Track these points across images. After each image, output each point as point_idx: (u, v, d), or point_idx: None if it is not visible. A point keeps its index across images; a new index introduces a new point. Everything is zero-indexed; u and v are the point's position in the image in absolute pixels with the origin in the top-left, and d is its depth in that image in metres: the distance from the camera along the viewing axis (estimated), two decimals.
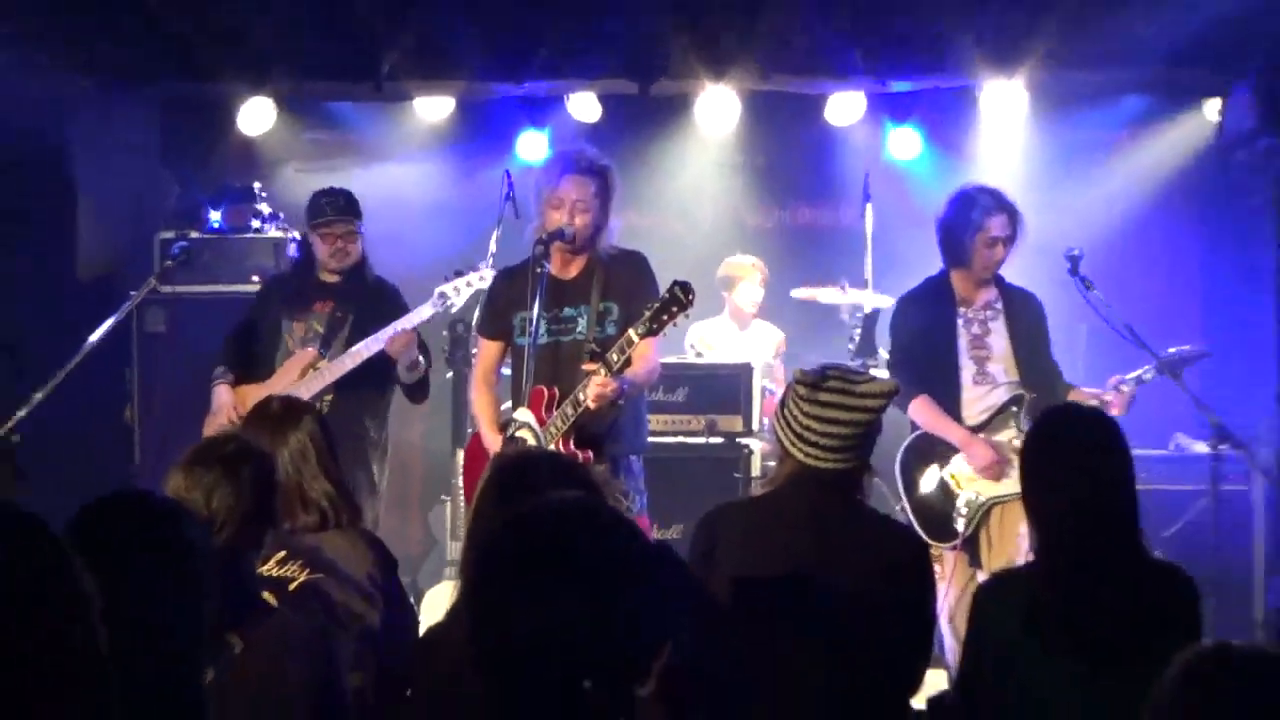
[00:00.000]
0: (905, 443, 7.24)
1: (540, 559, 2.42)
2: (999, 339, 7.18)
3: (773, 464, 4.62)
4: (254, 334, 7.51)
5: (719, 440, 8.55)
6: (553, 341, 6.57)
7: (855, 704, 4.37)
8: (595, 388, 6.15)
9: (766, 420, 8.35)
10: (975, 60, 8.49)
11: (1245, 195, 8.74)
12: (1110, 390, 7.02)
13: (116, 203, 9.15)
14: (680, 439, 8.47)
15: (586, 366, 6.23)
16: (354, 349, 7.21)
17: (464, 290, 7.29)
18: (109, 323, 7.21)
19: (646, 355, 6.41)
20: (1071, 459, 4.17)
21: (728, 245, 10.05)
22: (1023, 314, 7.25)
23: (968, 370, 7.15)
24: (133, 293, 7.59)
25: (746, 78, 8.86)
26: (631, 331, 6.17)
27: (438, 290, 7.27)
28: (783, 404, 4.50)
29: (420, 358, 7.31)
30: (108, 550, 1.98)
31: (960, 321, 7.18)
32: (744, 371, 8.72)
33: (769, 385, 8.90)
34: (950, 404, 7.10)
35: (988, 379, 7.16)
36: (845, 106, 9.49)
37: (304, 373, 7.23)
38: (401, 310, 7.33)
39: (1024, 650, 4.11)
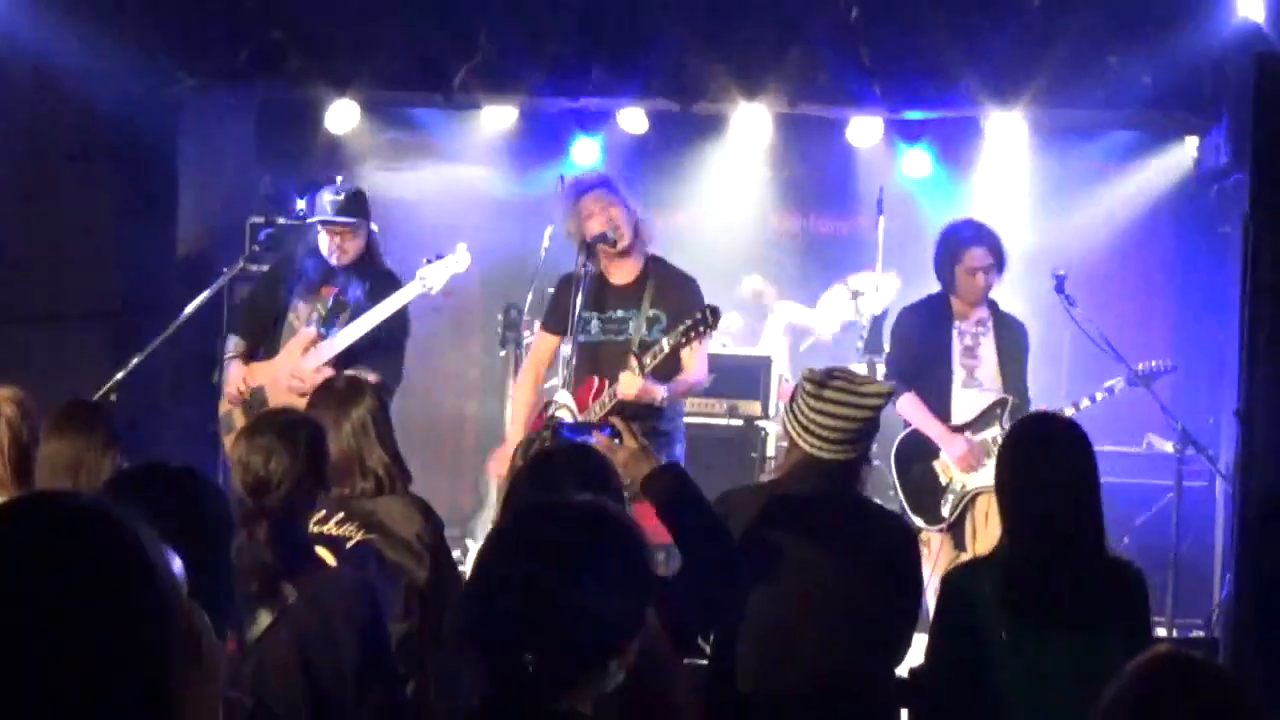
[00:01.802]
0: (899, 436, 7.30)
1: (534, 554, 2.45)
2: (988, 352, 7.28)
3: (785, 444, 4.60)
4: (263, 310, 7.32)
5: (739, 422, 8.56)
6: (605, 340, 6.62)
7: (847, 670, 4.37)
8: (626, 384, 6.27)
9: (782, 404, 8.35)
10: (979, 94, 8.45)
11: (1217, 224, 8.70)
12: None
13: (214, 191, 9.17)
14: (703, 420, 8.43)
15: (630, 363, 6.33)
16: (346, 329, 7.05)
17: (442, 273, 7.14)
18: (204, 295, 7.22)
19: (693, 366, 6.54)
20: (1044, 461, 4.15)
21: (755, 245, 10.07)
22: (1009, 337, 7.34)
23: (958, 375, 7.24)
24: (225, 270, 7.58)
25: (777, 103, 8.84)
26: (664, 341, 6.27)
27: (418, 273, 7.14)
28: (792, 399, 4.52)
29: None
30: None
31: (955, 333, 7.24)
32: (763, 363, 8.75)
33: (786, 375, 8.90)
34: (941, 403, 7.20)
35: (975, 384, 7.22)
36: (864, 129, 9.42)
37: (305, 351, 7.08)
38: (389, 296, 7.15)
39: (989, 626, 4.08)
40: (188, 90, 8.63)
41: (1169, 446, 7.86)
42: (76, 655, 1.76)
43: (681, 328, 6.23)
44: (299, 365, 6.94)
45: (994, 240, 7.20)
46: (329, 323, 7.18)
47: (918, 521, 7.20)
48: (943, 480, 7.16)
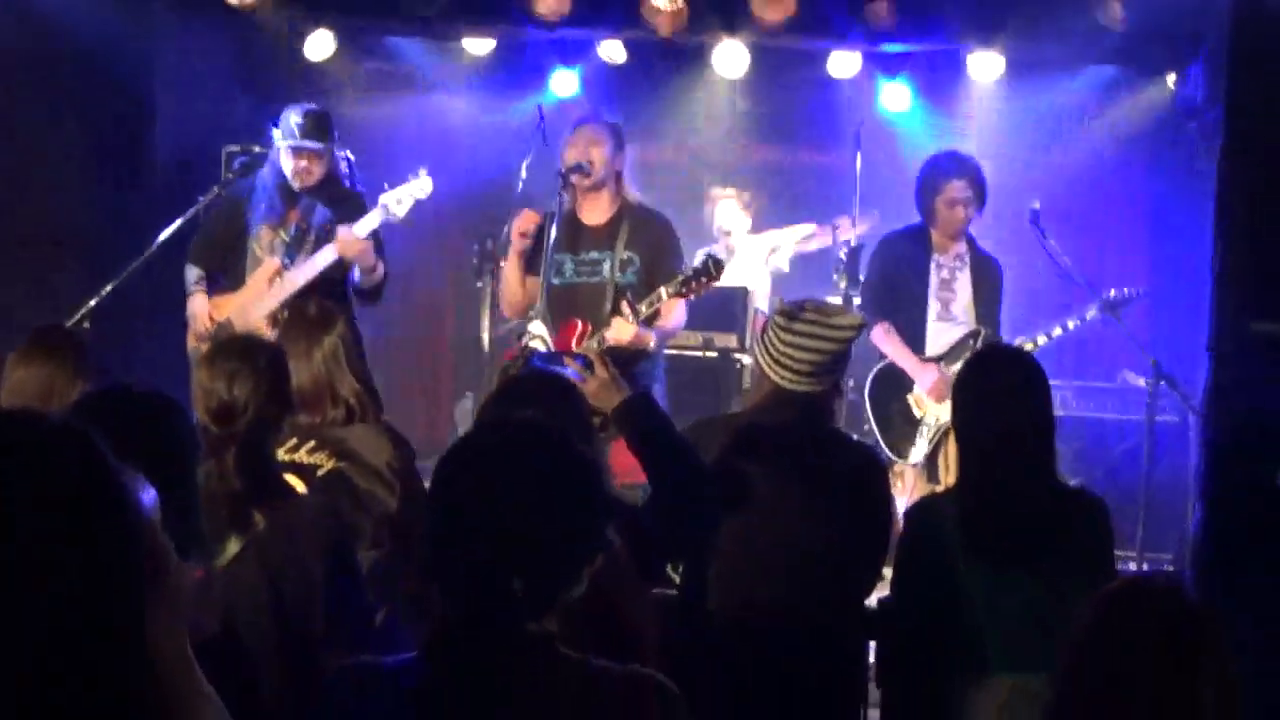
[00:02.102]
0: (874, 370, 7.33)
1: (495, 469, 2.47)
2: (964, 286, 7.31)
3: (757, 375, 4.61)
4: (222, 239, 7.26)
5: (715, 354, 8.54)
6: (580, 282, 6.61)
7: (814, 601, 4.40)
8: (619, 330, 6.24)
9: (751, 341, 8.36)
10: (960, 28, 8.43)
11: (1194, 160, 8.69)
12: (1027, 341, 7.20)
13: (190, 119, 9.09)
14: (679, 352, 8.37)
15: (622, 310, 6.30)
16: (312, 258, 7.02)
17: (405, 200, 7.07)
18: (176, 223, 7.12)
19: (676, 312, 6.52)
20: (992, 394, 4.17)
21: (730, 177, 10.01)
22: (985, 273, 7.37)
23: (933, 308, 7.25)
24: (200, 198, 7.52)
25: (756, 34, 8.79)
26: (663, 290, 6.24)
27: (381, 199, 7.08)
28: (763, 332, 4.54)
29: (379, 262, 7.09)
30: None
31: (933, 265, 7.24)
32: (740, 294, 8.71)
33: (761, 308, 8.86)
34: (916, 334, 7.24)
35: (950, 317, 7.24)
36: (843, 63, 9.39)
37: (270, 281, 7.05)
38: (352, 215, 7.09)
39: (948, 560, 4.14)
40: (165, 20, 8.56)
41: (1142, 382, 7.89)
42: (42, 575, 1.77)
43: (681, 278, 6.18)
44: (266, 299, 6.90)
45: (975, 173, 7.20)
46: (293, 250, 7.13)
47: (891, 455, 7.23)
48: (916, 414, 7.21)
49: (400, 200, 7.07)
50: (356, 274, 7.10)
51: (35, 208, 8.38)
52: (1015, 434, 4.13)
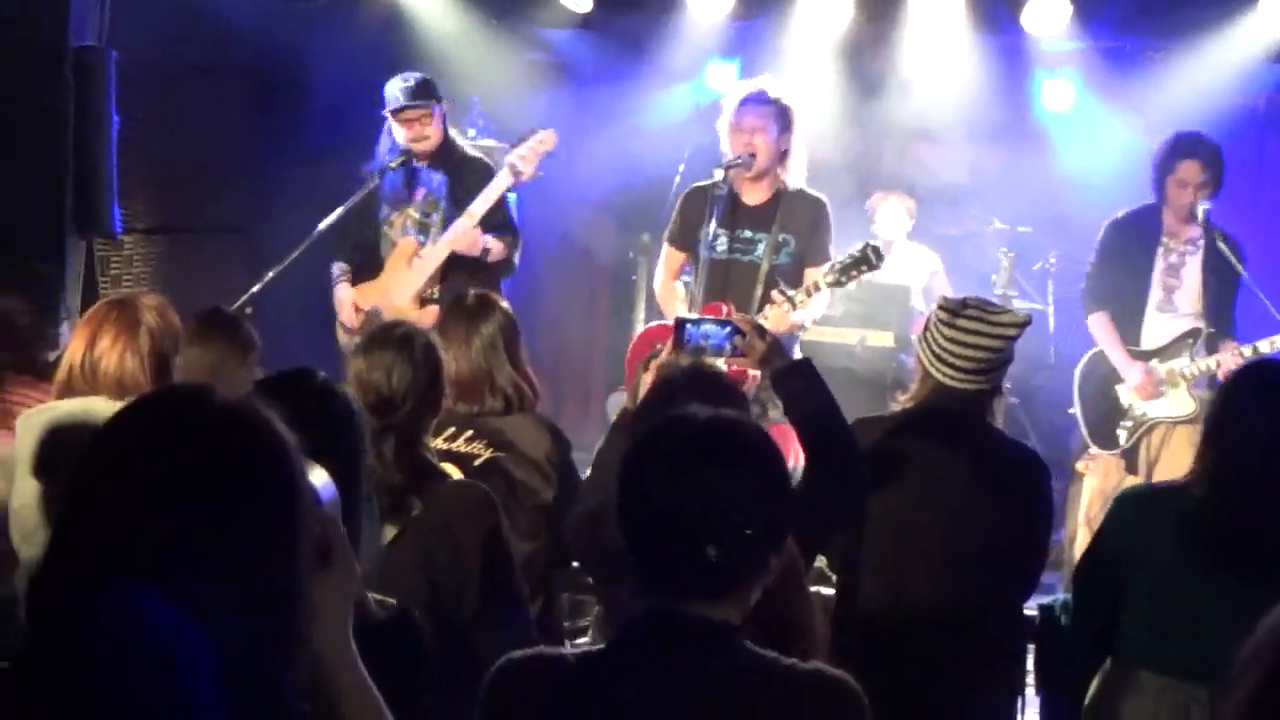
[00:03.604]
0: (1087, 355, 7.25)
1: (684, 453, 2.49)
2: (1192, 274, 7.07)
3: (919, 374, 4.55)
4: (359, 229, 7.27)
5: (871, 353, 8.42)
6: (731, 259, 6.59)
7: (973, 602, 4.33)
8: (776, 319, 6.16)
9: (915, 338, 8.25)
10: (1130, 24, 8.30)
11: None
12: (1247, 347, 6.81)
13: (346, 104, 9.20)
14: (834, 345, 8.27)
15: (775, 297, 6.27)
16: (445, 237, 7.01)
17: (530, 156, 7.07)
18: (336, 213, 7.11)
19: (823, 297, 6.48)
20: (1269, 410, 4.03)
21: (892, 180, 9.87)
22: (1221, 258, 6.98)
23: (1155, 296, 7.07)
24: (357, 187, 7.56)
25: None
26: (820, 278, 6.23)
27: (506, 160, 7.08)
28: (926, 328, 4.48)
29: (490, 245, 7.05)
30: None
31: (1160, 250, 7.07)
32: (899, 292, 8.61)
33: (920, 307, 8.77)
34: (1132, 324, 7.09)
35: (1171, 307, 7.06)
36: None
37: (409, 261, 7.08)
38: (484, 183, 7.07)
39: (1155, 555, 4.02)
40: (318, 4, 8.66)
41: None
42: (210, 550, 1.78)
43: (839, 265, 6.14)
44: (407, 281, 6.94)
45: (1211, 155, 6.94)
46: (425, 228, 7.17)
47: (1089, 441, 7.17)
48: (1124, 404, 7.09)
49: (524, 157, 7.07)
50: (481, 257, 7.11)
51: (192, 196, 8.55)
52: (1261, 448, 3.94)
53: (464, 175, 7.14)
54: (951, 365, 4.33)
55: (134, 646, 1.63)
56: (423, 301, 6.92)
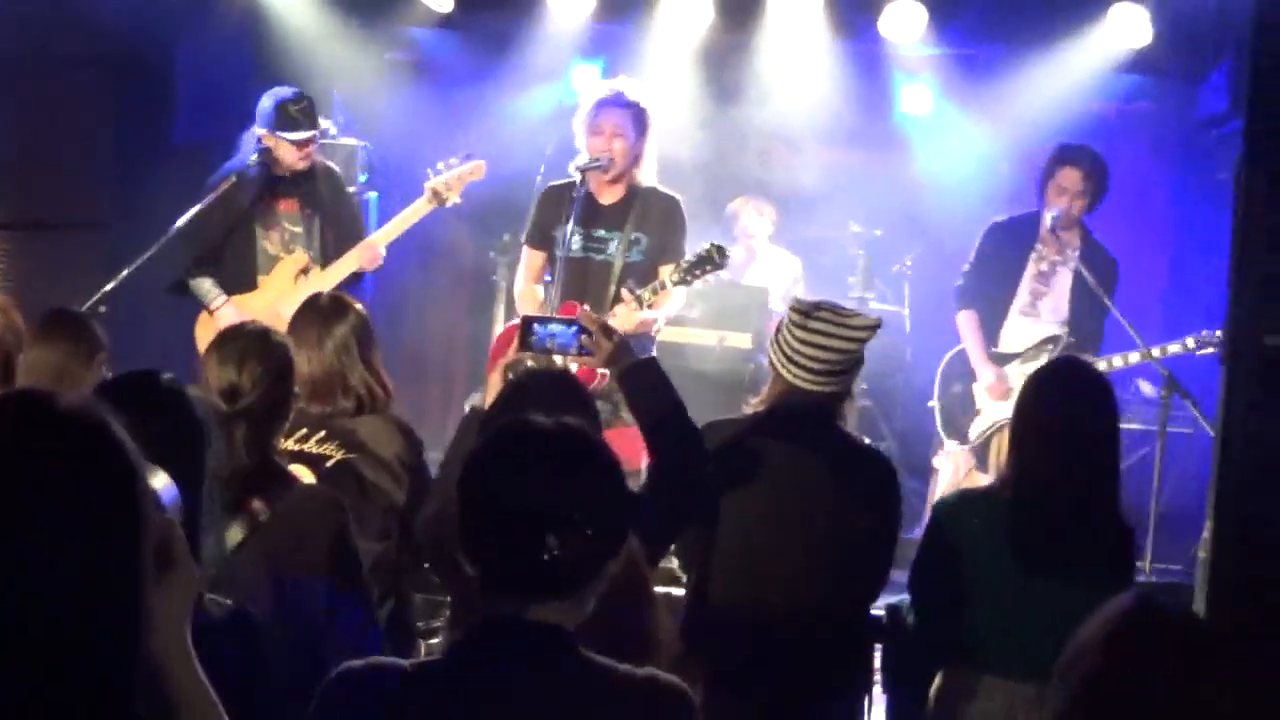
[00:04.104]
0: (950, 352, 7.39)
1: (525, 456, 2.52)
2: (1062, 283, 7.21)
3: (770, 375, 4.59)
4: (217, 240, 7.13)
5: (729, 355, 8.46)
6: (585, 257, 6.64)
7: (824, 601, 4.37)
8: (624, 317, 6.21)
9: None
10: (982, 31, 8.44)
11: (1215, 169, 8.64)
12: (1101, 360, 6.99)
13: (210, 104, 9.09)
14: (691, 347, 8.33)
15: (624, 294, 6.34)
16: (343, 260, 7.07)
17: (455, 185, 7.14)
18: (195, 210, 7.02)
19: (675, 296, 6.53)
20: (1074, 409, 4.15)
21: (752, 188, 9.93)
22: (1094, 271, 7.15)
23: (1020, 300, 7.19)
24: (218, 185, 7.46)
25: None
26: (666, 277, 6.31)
27: (429, 186, 7.13)
28: (778, 329, 4.50)
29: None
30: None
31: (1033, 256, 7.20)
32: (758, 294, 8.69)
33: (780, 310, 8.83)
34: (993, 324, 7.20)
35: (1034, 312, 7.18)
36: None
37: (296, 278, 7.06)
38: (344, 193, 7.19)
39: (974, 559, 4.16)
40: (185, 6, 8.56)
41: (1155, 392, 7.85)
42: (48, 558, 1.76)
43: (685, 264, 6.21)
44: (294, 296, 6.88)
45: (1093, 165, 7.08)
46: (308, 238, 7.15)
47: (943, 434, 7.29)
48: (978, 403, 7.23)
49: (449, 184, 7.12)
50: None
51: (55, 190, 8.39)
52: (1087, 452, 4.12)
53: (332, 186, 7.20)
54: (802, 367, 4.36)
55: None
56: None
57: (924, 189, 9.67)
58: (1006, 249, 7.26)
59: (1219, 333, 7.13)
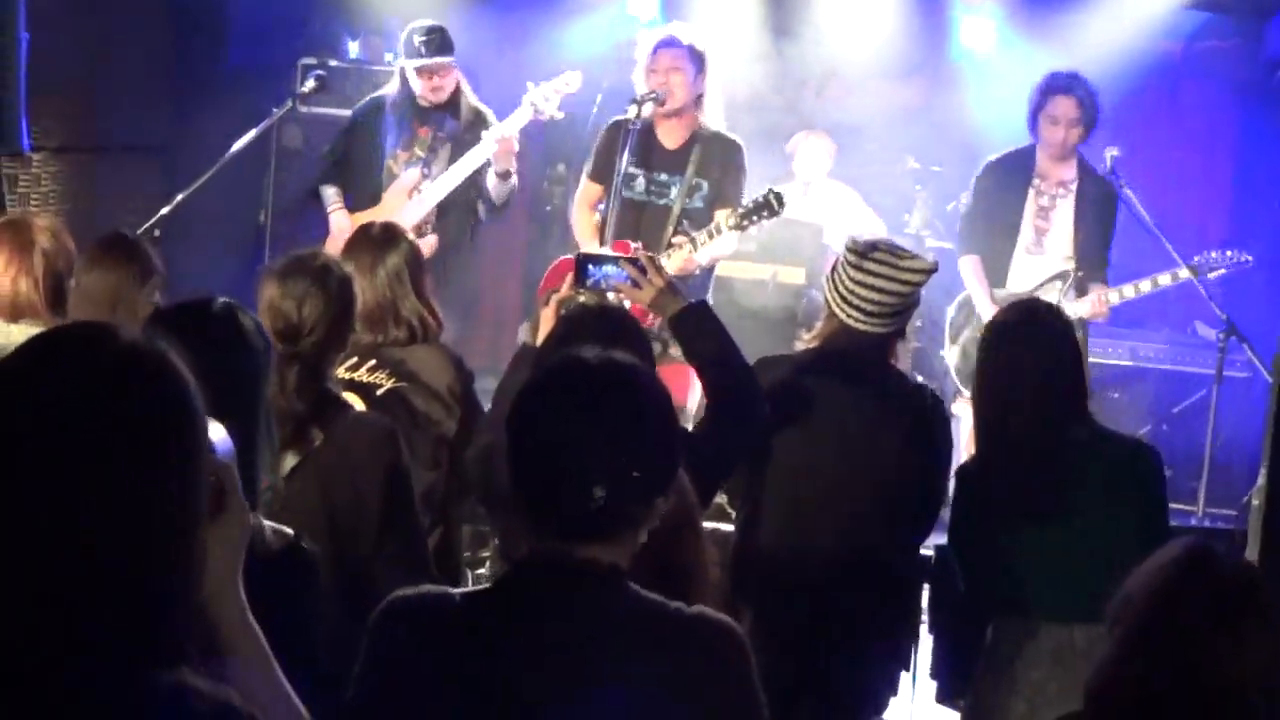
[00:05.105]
0: (958, 298, 7.24)
1: (573, 394, 2.51)
2: (1063, 216, 7.10)
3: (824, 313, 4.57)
4: (356, 158, 7.35)
5: (781, 289, 8.45)
6: (646, 200, 6.66)
7: (871, 540, 4.38)
8: (680, 260, 6.29)
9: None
10: None
11: None
12: (1113, 291, 6.95)
13: (264, 29, 9.08)
14: (746, 281, 8.33)
15: (675, 241, 6.33)
16: (454, 167, 7.11)
17: (553, 96, 7.13)
18: (250, 135, 7.14)
19: (728, 238, 6.49)
20: (1014, 352, 4.16)
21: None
22: (1093, 201, 7.09)
23: (1025, 238, 7.10)
24: (274, 109, 7.51)
25: None
26: (722, 221, 6.31)
27: (526, 98, 7.12)
28: (834, 268, 4.49)
29: (513, 170, 7.12)
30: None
31: (1031, 192, 7.10)
32: (812, 230, 8.64)
33: (835, 245, 8.79)
34: (1000, 265, 7.10)
35: (1040, 250, 7.08)
36: None
37: (410, 194, 7.15)
38: (479, 137, 7.15)
39: (991, 515, 4.18)
40: None
41: (1214, 335, 7.77)
42: (102, 498, 1.77)
43: (742, 210, 6.23)
44: (404, 212, 6.93)
45: (1085, 93, 6.94)
46: (429, 163, 7.22)
47: (959, 384, 7.20)
48: None
49: (548, 97, 7.11)
50: (490, 184, 7.13)
51: (110, 114, 8.42)
52: (1034, 390, 4.10)
53: (478, 125, 7.17)
54: (857, 308, 4.35)
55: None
56: (421, 233, 6.89)
57: (983, 125, 9.56)
58: (1005, 188, 7.14)
59: (1229, 252, 7.09)
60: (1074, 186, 7.11)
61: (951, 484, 4.44)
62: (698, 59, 6.62)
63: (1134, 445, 4.31)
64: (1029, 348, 4.14)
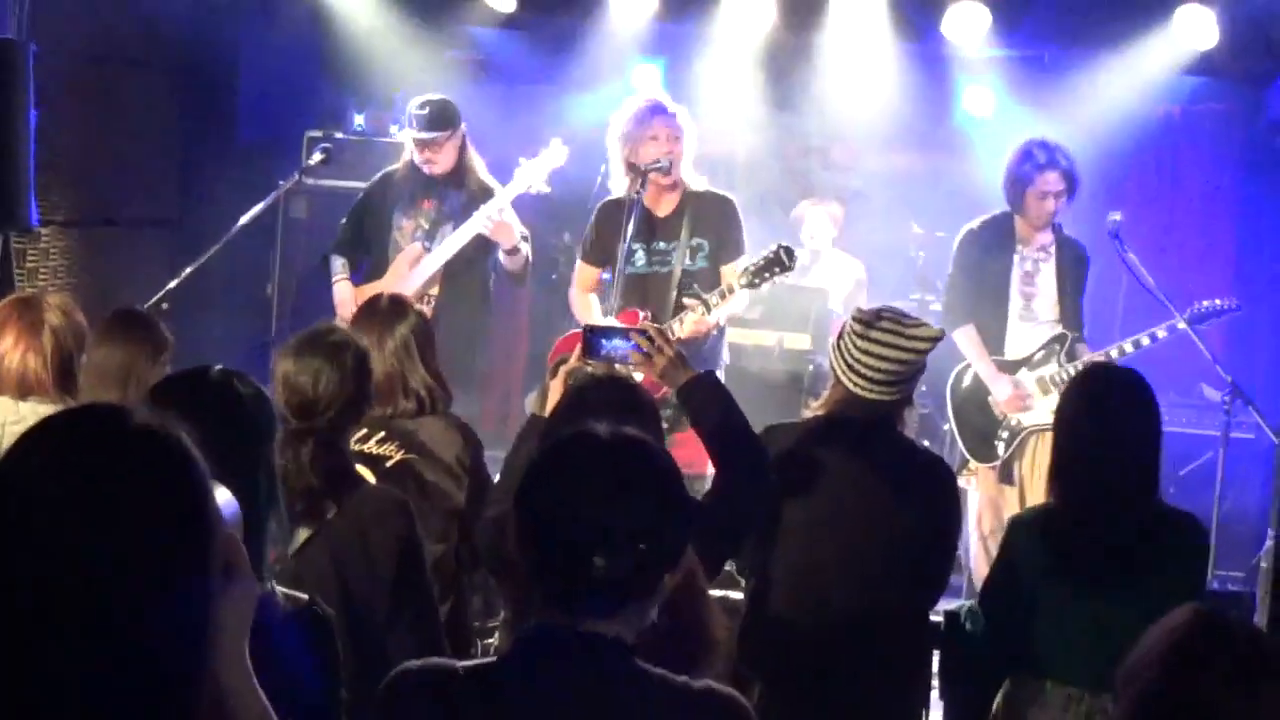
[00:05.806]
0: (956, 369, 7.23)
1: (582, 469, 2.51)
2: (1046, 280, 7.12)
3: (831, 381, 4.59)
4: (365, 228, 7.43)
5: (787, 356, 8.45)
6: (651, 272, 6.66)
7: (882, 608, 4.38)
8: (693, 324, 6.29)
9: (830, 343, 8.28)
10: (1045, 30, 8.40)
11: None
12: (1102, 354, 6.96)
13: (273, 102, 9.16)
14: (750, 349, 8.32)
15: (688, 303, 6.33)
16: (448, 239, 7.14)
17: (541, 169, 7.15)
18: (258, 208, 7.20)
19: (739, 296, 6.48)
20: (1107, 415, 4.16)
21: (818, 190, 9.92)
22: (1069, 263, 7.15)
23: (1015, 305, 7.11)
24: (281, 182, 7.57)
25: None
26: (733, 280, 6.30)
27: (516, 172, 7.16)
28: (840, 337, 4.51)
29: (521, 245, 7.14)
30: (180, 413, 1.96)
31: (1016, 258, 7.12)
32: (817, 295, 8.67)
33: (840, 312, 8.82)
34: (997, 334, 7.11)
35: (1032, 315, 7.11)
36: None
37: (411, 265, 7.19)
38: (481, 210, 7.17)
39: (1043, 574, 4.16)
40: (250, 5, 8.63)
41: (1219, 396, 7.77)
42: (124, 574, 1.79)
43: (753, 267, 6.19)
44: (407, 282, 6.97)
45: (1067, 161, 7.00)
46: (432, 235, 7.26)
47: (967, 454, 7.17)
48: (997, 415, 7.09)
49: (537, 170, 7.17)
50: (501, 256, 7.17)
51: (119, 188, 8.48)
52: (1125, 455, 4.13)
53: (480, 200, 7.19)
54: (863, 376, 4.38)
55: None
56: (421, 301, 6.92)
57: (986, 191, 9.60)
58: (990, 255, 7.17)
59: (1219, 300, 7.10)
60: (1052, 250, 7.15)
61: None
62: (687, 125, 6.66)
63: (1190, 527, 4.30)
64: (1139, 414, 4.17)
